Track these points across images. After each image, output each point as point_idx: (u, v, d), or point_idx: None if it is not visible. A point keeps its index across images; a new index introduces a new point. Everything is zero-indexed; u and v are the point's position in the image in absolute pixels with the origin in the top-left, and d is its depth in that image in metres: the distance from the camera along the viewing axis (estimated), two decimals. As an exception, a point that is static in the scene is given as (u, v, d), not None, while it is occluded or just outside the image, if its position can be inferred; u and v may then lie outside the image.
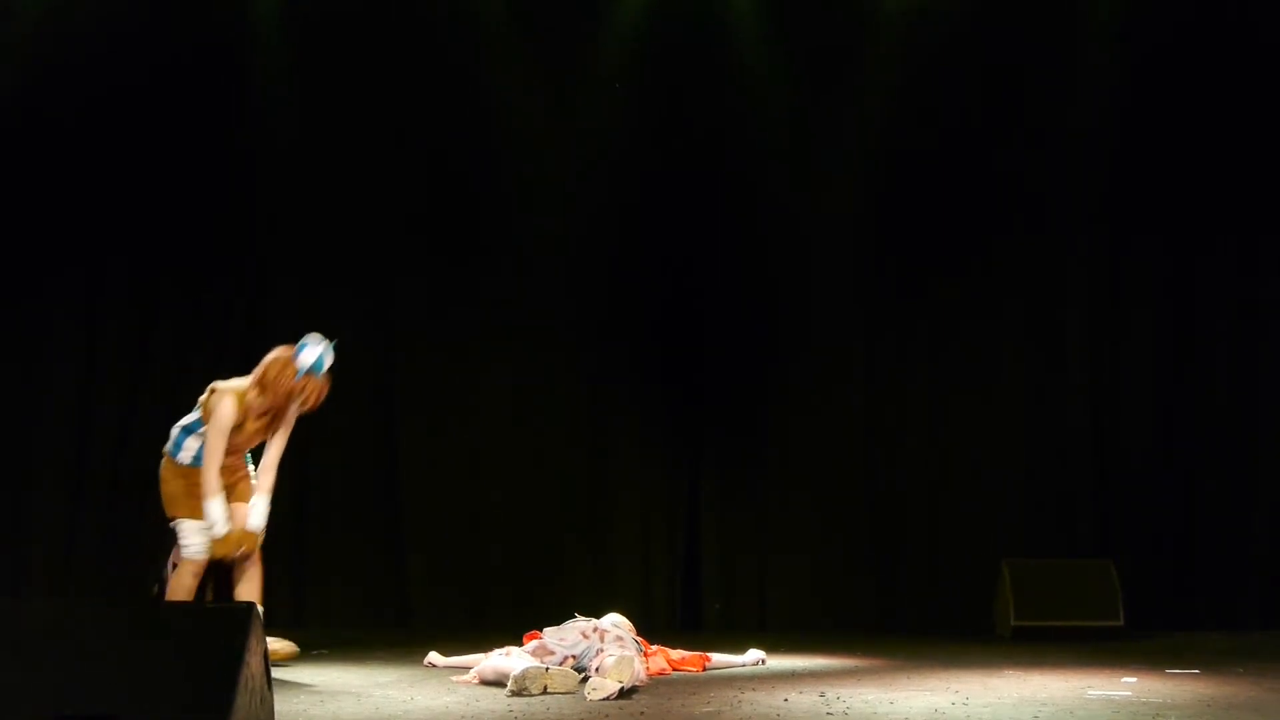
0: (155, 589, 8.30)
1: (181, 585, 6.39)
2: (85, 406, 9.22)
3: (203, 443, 6.37)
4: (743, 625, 9.07)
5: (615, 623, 6.49)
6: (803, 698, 5.51)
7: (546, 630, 6.34)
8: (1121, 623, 8.32)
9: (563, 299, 9.53)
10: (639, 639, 6.44)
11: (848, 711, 5.11)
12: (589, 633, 6.20)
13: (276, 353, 6.46)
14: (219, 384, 6.47)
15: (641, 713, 5.06)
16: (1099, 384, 9.42)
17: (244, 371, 6.55)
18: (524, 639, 6.40)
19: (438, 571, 9.29)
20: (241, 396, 6.38)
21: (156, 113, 9.28)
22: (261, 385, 6.40)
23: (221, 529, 6.30)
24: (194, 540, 6.36)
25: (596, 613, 6.58)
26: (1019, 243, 9.51)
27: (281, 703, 4.60)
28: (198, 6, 9.39)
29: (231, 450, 6.43)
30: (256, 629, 3.85)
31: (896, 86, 9.51)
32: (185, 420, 6.49)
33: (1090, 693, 5.63)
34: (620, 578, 9.23)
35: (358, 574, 9.34)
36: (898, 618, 9.12)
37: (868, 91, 9.57)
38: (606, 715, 5.02)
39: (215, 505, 6.29)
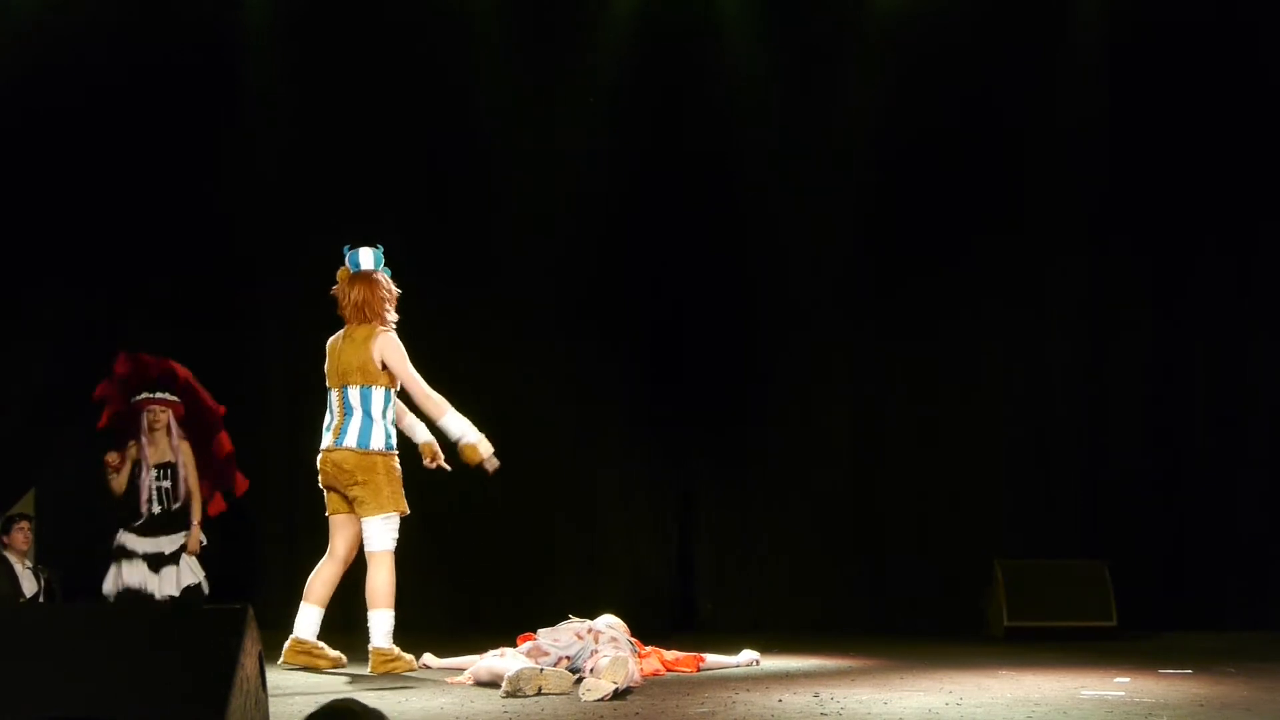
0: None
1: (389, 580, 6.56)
2: (77, 408, 9.21)
3: (388, 424, 6.46)
4: (736, 626, 9.08)
5: (609, 624, 6.49)
6: (797, 698, 5.51)
7: (541, 631, 6.34)
8: (1114, 623, 8.34)
9: (554, 300, 9.55)
10: (633, 640, 6.44)
11: (841, 712, 5.12)
12: (583, 634, 6.20)
13: (349, 288, 6.56)
14: (345, 342, 6.53)
15: (636, 714, 5.07)
16: (1090, 385, 9.46)
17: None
18: (518, 640, 6.40)
19: (431, 573, 9.27)
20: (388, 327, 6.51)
21: (151, 112, 9.29)
22: (380, 306, 6.57)
23: (474, 435, 6.47)
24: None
25: (591, 614, 6.58)
26: (1008, 242, 9.55)
27: (276, 704, 4.60)
28: (192, 7, 9.39)
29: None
30: (251, 630, 3.85)
31: (884, 87, 9.54)
32: (373, 408, 6.49)
33: (1083, 693, 5.64)
34: (614, 579, 9.23)
35: (350, 575, 9.31)
36: (891, 618, 9.14)
37: (855, 92, 9.60)
38: (601, 716, 5.02)
39: (456, 418, 6.50)
